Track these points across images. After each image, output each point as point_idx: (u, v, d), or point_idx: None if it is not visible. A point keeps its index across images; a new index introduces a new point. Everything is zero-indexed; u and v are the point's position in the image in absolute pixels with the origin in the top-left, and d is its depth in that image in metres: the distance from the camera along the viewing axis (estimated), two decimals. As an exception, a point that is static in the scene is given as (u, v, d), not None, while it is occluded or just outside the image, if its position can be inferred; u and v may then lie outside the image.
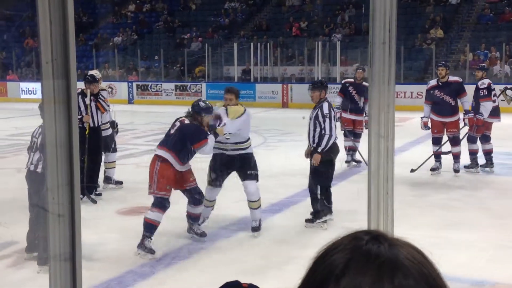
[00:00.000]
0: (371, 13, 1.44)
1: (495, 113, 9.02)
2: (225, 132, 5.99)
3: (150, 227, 5.59)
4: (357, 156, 9.55)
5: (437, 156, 9.05)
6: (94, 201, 7.30)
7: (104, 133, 8.09)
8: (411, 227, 5.64)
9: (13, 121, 16.37)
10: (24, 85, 24.81)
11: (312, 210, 6.49)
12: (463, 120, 8.79)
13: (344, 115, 9.58)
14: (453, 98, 8.75)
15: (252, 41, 23.60)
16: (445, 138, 9.00)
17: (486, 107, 8.85)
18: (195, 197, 5.90)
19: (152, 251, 5.52)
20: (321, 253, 0.76)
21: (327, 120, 6.32)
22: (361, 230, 0.78)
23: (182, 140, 5.75)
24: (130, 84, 23.43)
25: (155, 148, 6.03)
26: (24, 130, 13.09)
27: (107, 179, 8.29)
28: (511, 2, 23.25)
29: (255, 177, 6.19)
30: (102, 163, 8.17)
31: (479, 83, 9.06)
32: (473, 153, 9.06)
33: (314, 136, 6.40)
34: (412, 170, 8.32)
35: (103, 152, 8.12)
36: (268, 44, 23.08)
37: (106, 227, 6.42)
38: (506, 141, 12.17)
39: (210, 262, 5.39)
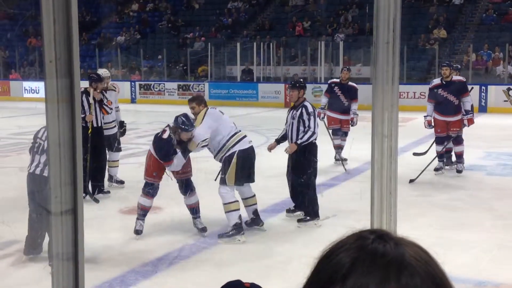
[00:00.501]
0: (375, 13, 1.43)
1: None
2: (197, 142, 5.97)
3: (139, 211, 6.06)
4: (343, 154, 9.81)
5: (441, 156, 9.05)
6: (97, 201, 7.31)
7: (108, 132, 8.12)
8: (413, 227, 5.63)
9: (16, 120, 16.39)
10: (27, 84, 24.86)
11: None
12: (463, 120, 8.78)
13: (330, 114, 9.83)
14: (457, 97, 8.77)
15: (255, 41, 23.60)
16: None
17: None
18: (183, 188, 6.16)
19: (138, 232, 5.98)
20: (326, 252, 0.76)
21: (312, 118, 6.50)
22: (366, 229, 0.78)
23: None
24: (133, 83, 23.44)
25: None
26: (27, 129, 13.12)
27: (110, 178, 8.31)
28: (514, 3, 23.22)
29: (223, 181, 6.08)
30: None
31: (456, 79, 9.12)
32: (441, 155, 9.22)
33: (297, 135, 6.49)
34: (411, 181, 8.31)
35: (108, 151, 8.17)
36: (271, 44, 23.07)
37: (109, 226, 6.43)
38: (509, 142, 12.17)
39: (212, 262, 5.39)
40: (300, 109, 6.57)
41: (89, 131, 7.49)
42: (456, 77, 9.04)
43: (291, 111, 6.69)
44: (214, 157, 6.27)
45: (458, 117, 8.81)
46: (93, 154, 7.49)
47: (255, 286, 1.46)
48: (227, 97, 21.79)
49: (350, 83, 10.00)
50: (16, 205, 6.76)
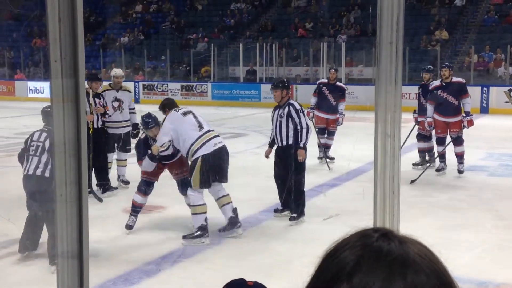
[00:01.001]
0: (379, 13, 1.43)
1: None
2: (158, 147, 5.94)
3: (133, 207, 6.20)
4: (330, 153, 9.93)
5: (442, 156, 9.05)
6: (100, 200, 7.31)
7: (120, 131, 8.14)
8: (414, 227, 5.61)
9: (21, 120, 16.41)
10: (31, 84, 24.89)
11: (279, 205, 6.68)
12: (462, 122, 8.78)
13: (318, 114, 9.94)
14: (456, 99, 8.80)
15: (257, 42, 23.60)
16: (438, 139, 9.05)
17: None
18: (181, 187, 6.23)
19: (128, 227, 6.13)
20: (330, 251, 0.76)
21: (301, 115, 6.48)
22: (369, 227, 0.78)
23: None
24: (136, 84, 23.46)
25: None
26: (32, 129, 13.10)
27: (118, 177, 8.33)
28: (516, 4, 23.18)
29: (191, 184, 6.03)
30: (114, 161, 8.23)
31: (435, 83, 9.26)
32: (423, 151, 9.49)
33: (287, 134, 6.46)
34: (412, 181, 8.32)
35: (116, 150, 8.20)
36: (273, 44, 23.06)
37: (112, 225, 6.43)
38: (510, 143, 12.15)
39: (215, 261, 5.39)
40: (287, 107, 6.54)
41: (90, 131, 7.49)
42: (455, 79, 9.06)
43: (277, 111, 6.65)
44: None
45: (458, 118, 8.82)
46: (95, 153, 7.51)
47: (258, 285, 1.46)
48: (230, 98, 21.79)
49: (338, 83, 10.19)
50: (21, 203, 6.76)
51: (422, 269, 0.71)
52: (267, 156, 6.86)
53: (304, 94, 19.55)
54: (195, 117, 6.05)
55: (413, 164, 9.40)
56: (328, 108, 9.92)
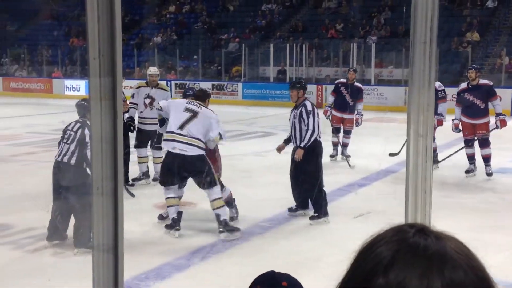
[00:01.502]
0: (413, 12, 1.41)
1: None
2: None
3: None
4: (348, 151, 9.93)
5: (471, 158, 8.92)
6: (132, 195, 7.40)
7: (149, 127, 8.24)
8: (442, 227, 5.52)
9: (58, 117, 16.69)
10: (68, 82, 25.30)
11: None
12: (495, 122, 8.64)
13: (335, 113, 10.03)
14: (483, 101, 8.67)
15: (288, 42, 23.55)
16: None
17: (444, 108, 9.17)
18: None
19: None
20: (365, 246, 0.75)
21: (311, 116, 6.44)
22: (405, 223, 0.77)
23: None
24: (169, 82, 23.63)
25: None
26: (67, 125, 13.35)
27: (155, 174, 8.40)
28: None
29: None
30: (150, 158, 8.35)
31: (436, 85, 9.03)
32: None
33: (301, 135, 6.45)
34: (437, 162, 8.26)
35: (150, 147, 8.31)
36: (304, 45, 22.99)
37: (144, 220, 6.50)
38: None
39: (243, 257, 5.40)
40: (300, 108, 6.55)
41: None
42: (483, 81, 8.92)
43: (293, 111, 6.66)
44: None
45: (485, 120, 8.71)
46: None
47: (290, 278, 1.45)
48: (260, 97, 21.79)
49: (356, 83, 10.20)
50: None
51: (460, 265, 0.70)
52: (279, 150, 6.84)
53: (334, 94, 19.45)
54: (188, 119, 5.93)
55: None
56: (345, 108, 9.98)
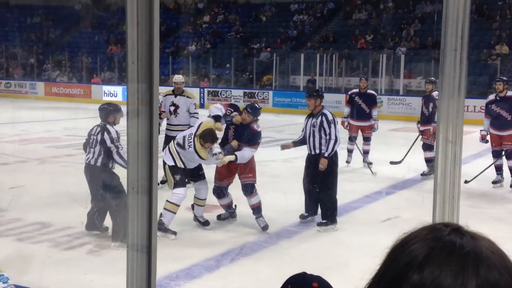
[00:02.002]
0: (444, 20, 1.40)
1: None
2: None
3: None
4: (372, 159, 9.95)
5: (499, 169, 8.76)
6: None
7: (175, 134, 8.30)
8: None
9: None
10: (106, 88, 25.68)
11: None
12: None
13: (352, 122, 10.11)
14: (510, 113, 8.53)
15: (318, 52, 23.50)
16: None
17: None
18: (246, 190, 6.36)
19: (218, 218, 6.52)
20: (399, 242, 0.74)
21: (332, 126, 6.38)
22: (439, 222, 0.76)
23: None
24: (202, 89, 23.82)
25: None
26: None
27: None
28: None
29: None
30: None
31: (434, 94, 9.21)
32: (429, 161, 9.23)
33: (320, 143, 6.37)
34: (466, 182, 8.07)
35: None
36: (333, 55, 22.90)
37: (176, 222, 6.54)
38: None
39: (271, 260, 5.38)
40: (320, 117, 6.44)
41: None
42: (511, 93, 8.77)
43: (310, 119, 6.56)
44: None
45: (511, 132, 8.55)
46: None
47: (321, 279, 1.44)
48: (289, 105, 21.77)
49: (369, 91, 10.32)
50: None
51: (495, 265, 0.68)
52: (284, 148, 6.81)
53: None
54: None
55: (422, 174, 9.26)
56: (362, 116, 10.07)
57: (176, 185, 6.01)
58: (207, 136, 5.92)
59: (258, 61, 25.03)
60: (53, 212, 6.77)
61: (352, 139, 10.11)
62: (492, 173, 8.74)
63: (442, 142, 1.43)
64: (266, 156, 10.73)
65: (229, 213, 6.56)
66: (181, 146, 6.06)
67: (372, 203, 7.57)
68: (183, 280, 4.82)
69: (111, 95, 25.16)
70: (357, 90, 10.37)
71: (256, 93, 22.81)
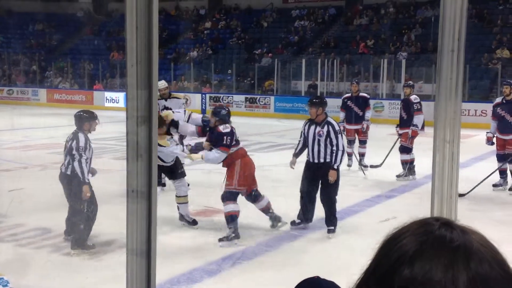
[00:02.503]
0: (441, 21, 1.40)
1: (423, 125, 9.58)
2: None
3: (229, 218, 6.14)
4: (365, 161, 10.16)
5: (502, 172, 8.77)
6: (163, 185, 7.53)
7: None
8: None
9: (98, 127, 16.98)
10: (108, 94, 25.73)
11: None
12: None
13: (348, 127, 10.23)
14: None
15: (319, 58, 23.53)
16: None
17: (420, 119, 9.39)
18: (252, 197, 6.38)
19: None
20: (389, 237, 0.74)
21: (339, 137, 6.29)
22: (430, 217, 0.76)
23: None
24: (203, 95, 23.85)
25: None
26: (108, 135, 13.56)
27: None
28: None
29: None
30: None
31: (412, 97, 9.53)
32: (406, 163, 9.45)
33: (325, 153, 6.25)
34: (461, 195, 8.04)
35: None
36: (335, 60, 22.93)
37: (176, 225, 6.54)
38: None
39: (273, 264, 5.38)
40: (325, 126, 6.29)
41: None
42: None
43: (313, 127, 6.37)
44: None
45: None
46: None
47: (335, 285, 1.42)
48: (291, 110, 21.78)
49: (361, 93, 10.50)
50: (101, 200, 6.98)
51: (486, 258, 0.68)
52: (292, 164, 6.63)
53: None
54: None
55: (397, 176, 9.40)
56: (356, 119, 10.22)
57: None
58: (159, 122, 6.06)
59: (260, 66, 25.07)
60: (54, 218, 6.76)
61: (350, 143, 10.22)
62: (494, 177, 8.72)
63: (439, 142, 1.43)
64: (268, 161, 10.74)
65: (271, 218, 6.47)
66: None
67: (372, 207, 7.56)
68: (184, 284, 4.82)
69: (113, 101, 25.19)
70: (349, 94, 10.54)
71: (257, 99, 22.83)
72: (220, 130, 6.08)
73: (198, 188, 8.37)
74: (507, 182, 8.72)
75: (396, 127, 9.73)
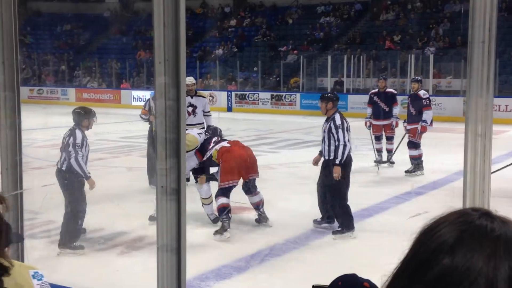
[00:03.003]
0: (471, 12, 1.37)
1: (432, 120, 9.49)
2: None
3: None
4: (393, 158, 10.12)
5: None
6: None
7: None
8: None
9: (126, 125, 17.18)
10: (135, 93, 25.96)
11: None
12: None
13: (374, 122, 10.17)
14: None
15: (345, 54, 23.37)
16: None
17: (429, 115, 9.28)
18: (248, 188, 6.52)
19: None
20: (428, 227, 0.74)
21: (340, 131, 6.18)
22: (468, 207, 0.75)
23: None
24: (229, 93, 23.90)
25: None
26: (135, 133, 13.71)
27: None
28: None
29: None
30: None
31: (421, 93, 9.46)
32: (414, 158, 9.39)
33: (329, 150, 6.18)
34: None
35: None
36: (361, 56, 22.75)
37: (203, 222, 6.57)
38: None
39: (301, 261, 5.37)
40: (330, 121, 6.28)
41: (153, 130, 7.82)
42: None
43: (324, 124, 6.41)
44: None
45: None
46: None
47: (371, 282, 1.41)
48: (317, 107, 21.52)
49: (388, 89, 10.41)
50: (125, 198, 7.08)
51: None
52: (315, 163, 6.60)
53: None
54: None
55: (406, 172, 9.33)
56: (383, 115, 10.14)
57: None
58: None
59: (285, 63, 25.02)
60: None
61: (378, 139, 10.18)
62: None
63: (471, 136, 1.40)
64: (295, 158, 10.74)
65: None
66: None
67: (401, 203, 7.49)
68: (212, 280, 4.84)
69: (140, 99, 25.41)
70: (376, 90, 10.49)
71: (283, 96, 22.79)
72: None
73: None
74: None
75: (404, 123, 9.67)
